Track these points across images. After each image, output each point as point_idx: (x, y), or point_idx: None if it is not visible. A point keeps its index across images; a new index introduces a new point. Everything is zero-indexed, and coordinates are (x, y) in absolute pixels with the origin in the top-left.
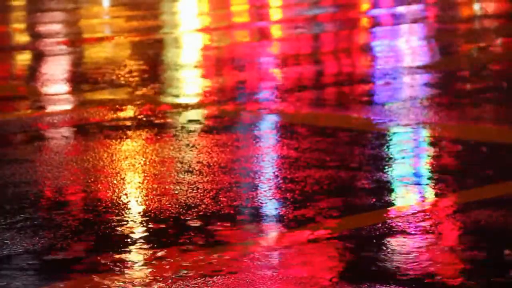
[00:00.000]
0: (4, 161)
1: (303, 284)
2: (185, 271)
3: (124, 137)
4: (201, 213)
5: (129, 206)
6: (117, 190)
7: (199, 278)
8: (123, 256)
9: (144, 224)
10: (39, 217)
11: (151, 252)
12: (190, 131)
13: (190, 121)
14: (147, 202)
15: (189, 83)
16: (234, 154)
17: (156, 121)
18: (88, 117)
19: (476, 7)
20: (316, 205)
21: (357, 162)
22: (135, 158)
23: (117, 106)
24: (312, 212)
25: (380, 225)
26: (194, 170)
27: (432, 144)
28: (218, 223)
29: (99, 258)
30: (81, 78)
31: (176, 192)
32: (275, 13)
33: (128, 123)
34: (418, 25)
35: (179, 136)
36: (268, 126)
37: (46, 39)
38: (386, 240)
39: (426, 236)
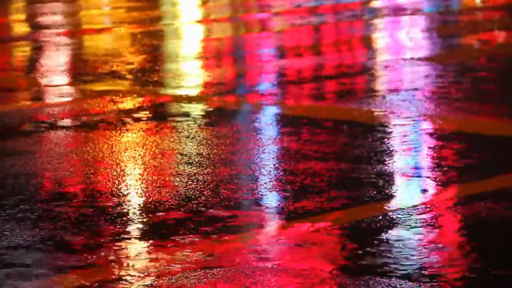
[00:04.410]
0: (4, 152)
1: (303, 276)
2: (185, 263)
3: (124, 128)
4: (201, 205)
5: (129, 198)
6: (117, 182)
7: (199, 270)
8: (122, 247)
9: (144, 216)
10: (39, 209)
11: (151, 244)
12: (191, 122)
13: (190, 112)
14: (147, 194)
15: (189, 75)
16: (235, 146)
17: (156, 113)
18: (88, 109)
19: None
20: (316, 197)
21: (357, 155)
22: (135, 150)
23: (117, 97)
24: (313, 204)
25: (380, 217)
26: (194, 162)
27: (433, 136)
28: (218, 215)
29: (98, 249)
30: (81, 70)
31: (176, 184)
32: (276, 5)
33: (128, 114)
34: (419, 17)
35: (179, 127)
36: (268, 118)
37: (46, 30)
38: (387, 233)
39: (427, 229)
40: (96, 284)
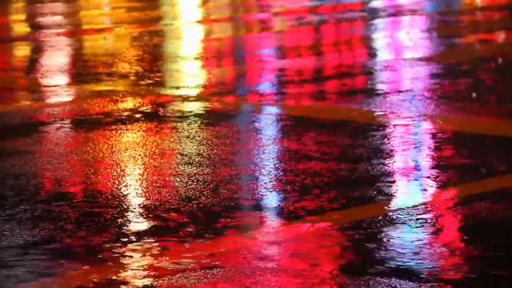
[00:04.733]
0: (4, 152)
1: (303, 276)
2: (185, 263)
3: (124, 128)
4: (201, 205)
5: (129, 198)
6: (117, 182)
7: (199, 270)
8: (122, 248)
9: (144, 216)
10: (39, 209)
11: (151, 244)
12: (191, 123)
13: (190, 113)
14: (147, 194)
15: (189, 75)
16: (235, 146)
17: (156, 113)
18: (88, 109)
19: None
20: (316, 197)
21: (358, 155)
22: (135, 150)
23: (117, 97)
24: (313, 204)
25: (381, 217)
26: (194, 162)
27: (433, 136)
28: (218, 215)
29: (98, 250)
30: (81, 70)
31: (176, 184)
32: (276, 5)
33: (128, 114)
34: (419, 17)
35: (179, 128)
36: (268, 118)
37: (46, 30)
38: (387, 233)
39: (427, 229)
40: (96, 284)
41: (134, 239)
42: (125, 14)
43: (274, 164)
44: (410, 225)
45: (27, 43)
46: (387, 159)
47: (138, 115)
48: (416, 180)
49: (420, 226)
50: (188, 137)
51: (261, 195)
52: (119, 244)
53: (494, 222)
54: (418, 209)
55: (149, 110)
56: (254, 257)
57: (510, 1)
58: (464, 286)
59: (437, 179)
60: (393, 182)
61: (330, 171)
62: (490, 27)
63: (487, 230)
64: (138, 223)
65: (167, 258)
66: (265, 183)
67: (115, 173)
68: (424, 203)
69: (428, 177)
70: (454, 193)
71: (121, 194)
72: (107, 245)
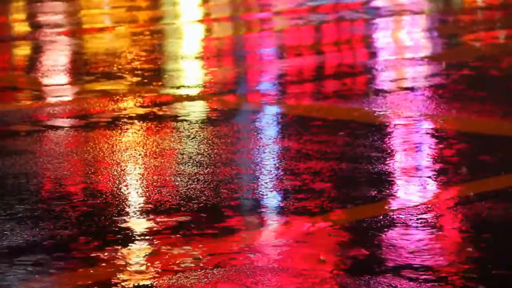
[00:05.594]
0: (4, 152)
1: (303, 276)
2: (185, 263)
3: (125, 128)
4: (201, 204)
5: (129, 198)
6: (117, 182)
7: (199, 270)
8: (123, 247)
9: (144, 216)
10: (39, 208)
11: (151, 244)
12: (191, 122)
13: (191, 112)
14: (147, 194)
15: (190, 74)
16: (235, 146)
17: (157, 112)
18: (89, 108)
19: None
20: (317, 197)
21: (358, 154)
22: (135, 149)
23: (118, 97)
24: (313, 204)
25: (381, 217)
26: (195, 162)
27: (433, 136)
28: (219, 215)
29: (99, 249)
30: (81, 69)
31: (177, 183)
32: (276, 4)
33: (129, 114)
34: (420, 16)
35: (179, 127)
36: (269, 117)
37: (46, 29)
38: (387, 232)
39: (427, 229)
40: (96, 284)
41: (134, 239)
42: (126, 13)
43: (275, 164)
44: (410, 225)
45: (28, 42)
46: (388, 159)
47: (138, 115)
48: (416, 179)
49: (421, 226)
50: (188, 136)
51: (262, 194)
52: (119, 244)
53: (494, 222)
54: (418, 208)
55: (149, 110)
56: (254, 257)
57: (509, 1)
58: (464, 286)
59: (437, 179)
60: (394, 181)
61: (330, 171)
62: (490, 26)
63: (487, 230)
64: (138, 223)
65: (167, 258)
66: (266, 182)
67: (115, 173)
68: (425, 203)
69: (429, 177)
70: (454, 193)
71: (121, 194)
72: (107, 245)
